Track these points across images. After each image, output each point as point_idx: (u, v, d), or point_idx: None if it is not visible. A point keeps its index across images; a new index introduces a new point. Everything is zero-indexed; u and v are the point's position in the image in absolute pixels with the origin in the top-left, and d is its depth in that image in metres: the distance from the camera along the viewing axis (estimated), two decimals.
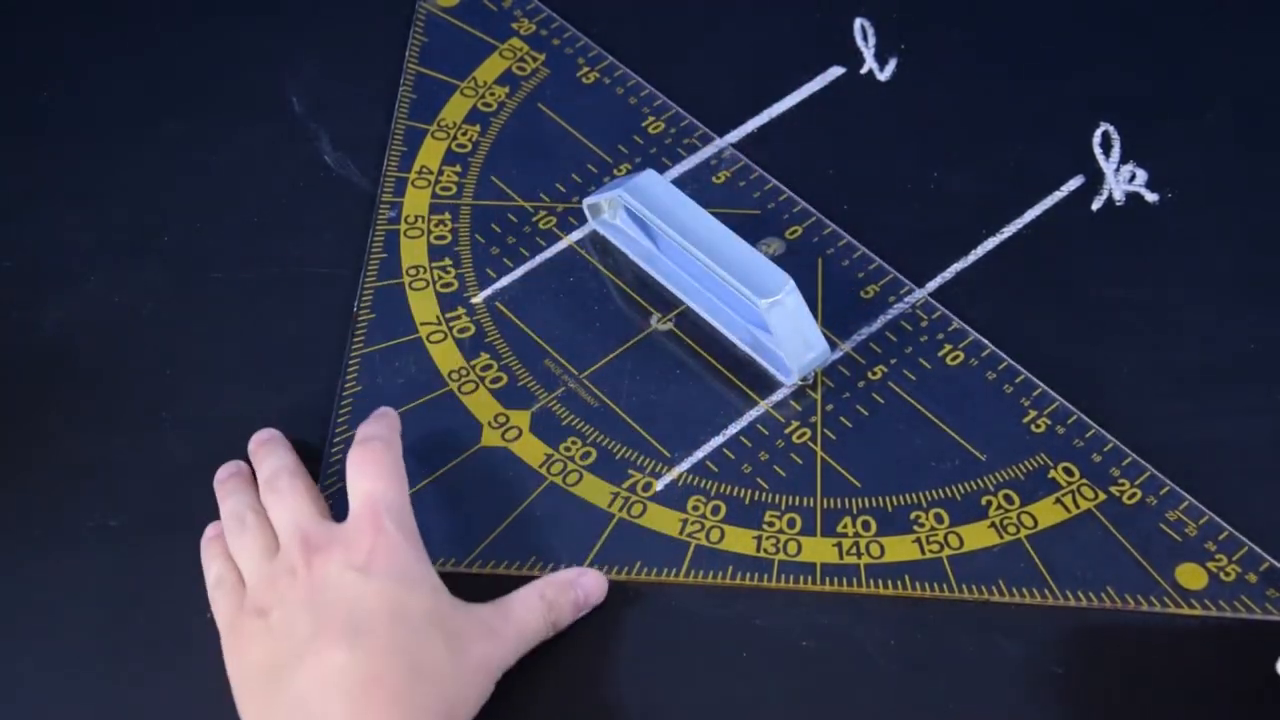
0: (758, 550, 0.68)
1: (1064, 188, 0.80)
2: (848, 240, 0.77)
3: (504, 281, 0.77)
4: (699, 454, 0.71)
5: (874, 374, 0.73)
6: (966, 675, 0.65)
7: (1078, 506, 0.69)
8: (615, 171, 0.80)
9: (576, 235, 0.78)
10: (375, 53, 0.86)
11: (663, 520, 0.69)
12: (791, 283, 0.70)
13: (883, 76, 0.85)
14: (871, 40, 0.86)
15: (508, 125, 0.82)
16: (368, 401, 0.72)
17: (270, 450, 0.70)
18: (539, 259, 0.77)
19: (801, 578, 0.68)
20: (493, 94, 0.83)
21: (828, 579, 0.68)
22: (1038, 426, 0.71)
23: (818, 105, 0.84)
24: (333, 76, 0.85)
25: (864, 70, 0.85)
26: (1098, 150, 0.81)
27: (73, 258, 0.78)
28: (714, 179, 0.80)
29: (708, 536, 0.69)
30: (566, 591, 0.66)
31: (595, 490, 0.70)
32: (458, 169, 0.80)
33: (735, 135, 0.82)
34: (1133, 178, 0.80)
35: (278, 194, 0.81)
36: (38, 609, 0.68)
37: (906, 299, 0.76)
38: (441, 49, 0.86)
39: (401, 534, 0.65)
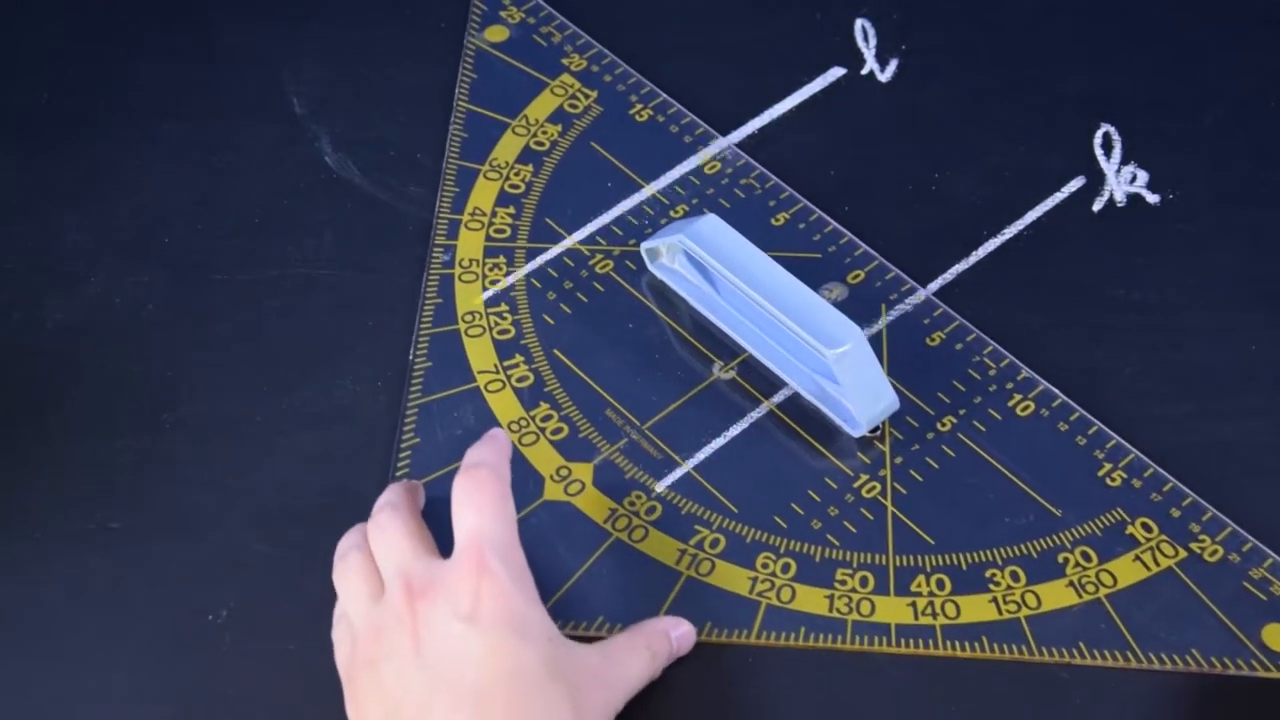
0: (830, 610, 0.67)
1: (1065, 189, 0.80)
2: (911, 285, 0.76)
3: (562, 328, 0.75)
4: (766, 508, 0.69)
5: (943, 425, 0.72)
6: None
7: (1158, 564, 0.67)
8: (672, 213, 0.79)
9: (635, 280, 0.77)
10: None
11: (732, 578, 0.68)
12: (859, 332, 0.68)
13: (883, 77, 0.85)
14: (872, 41, 0.86)
15: (561, 165, 0.81)
16: (425, 455, 0.71)
17: (386, 494, 0.68)
18: (597, 305, 0.76)
19: (876, 639, 0.66)
20: (545, 132, 0.82)
21: (903, 640, 0.66)
22: (1113, 480, 0.70)
23: (819, 106, 0.84)
24: (334, 77, 0.85)
25: (865, 71, 0.85)
26: (1099, 151, 0.81)
27: (73, 258, 0.78)
28: (773, 221, 0.78)
29: (779, 595, 0.67)
30: (664, 642, 0.65)
31: (662, 547, 0.68)
32: (511, 210, 0.79)
33: (736, 136, 0.82)
34: (1134, 179, 0.80)
35: (278, 195, 0.81)
36: (38, 609, 0.68)
37: (909, 299, 0.75)
38: (492, 86, 0.84)
39: (509, 574, 0.62)
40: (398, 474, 0.70)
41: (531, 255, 0.78)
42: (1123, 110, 0.82)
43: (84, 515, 0.70)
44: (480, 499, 0.63)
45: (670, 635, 0.65)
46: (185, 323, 0.76)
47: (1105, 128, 0.81)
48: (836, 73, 0.85)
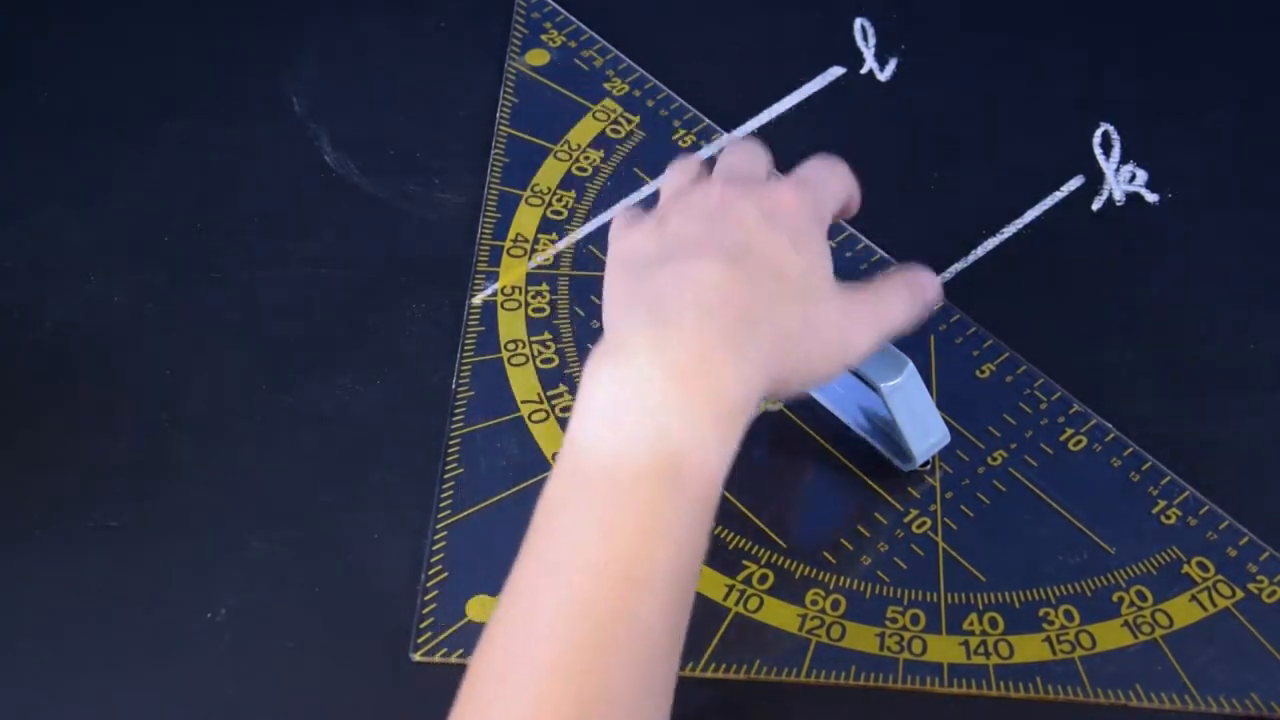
0: (881, 649, 0.65)
1: (1064, 188, 0.80)
2: (960, 316, 0.75)
3: None
4: (815, 543, 0.68)
5: (994, 460, 0.71)
6: None
7: (1215, 605, 0.66)
8: None
9: None
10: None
11: (781, 616, 0.67)
12: (911, 365, 0.67)
13: (883, 77, 0.85)
14: (872, 40, 0.86)
15: (604, 191, 0.80)
16: (469, 485, 0.70)
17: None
18: None
19: (928, 679, 0.65)
20: (587, 158, 0.81)
21: (956, 680, 0.65)
22: (1168, 518, 0.69)
23: (818, 105, 0.84)
24: (333, 77, 0.85)
25: (864, 70, 0.85)
26: (1098, 150, 0.81)
27: (73, 258, 0.78)
28: None
29: (829, 633, 0.66)
30: (918, 288, 0.67)
31: (710, 582, 0.67)
32: (554, 237, 0.78)
33: (735, 135, 0.82)
34: (1133, 178, 0.80)
35: (278, 194, 0.81)
36: (38, 609, 0.68)
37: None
38: (533, 110, 0.83)
39: (815, 214, 0.66)
40: (441, 505, 0.70)
41: (575, 283, 0.77)
42: (1122, 109, 0.82)
43: (83, 515, 0.70)
44: (839, 168, 0.69)
45: (919, 281, 0.67)
46: (185, 322, 0.76)
47: (1104, 127, 0.81)
48: (836, 72, 0.85)
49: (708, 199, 0.65)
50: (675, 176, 0.68)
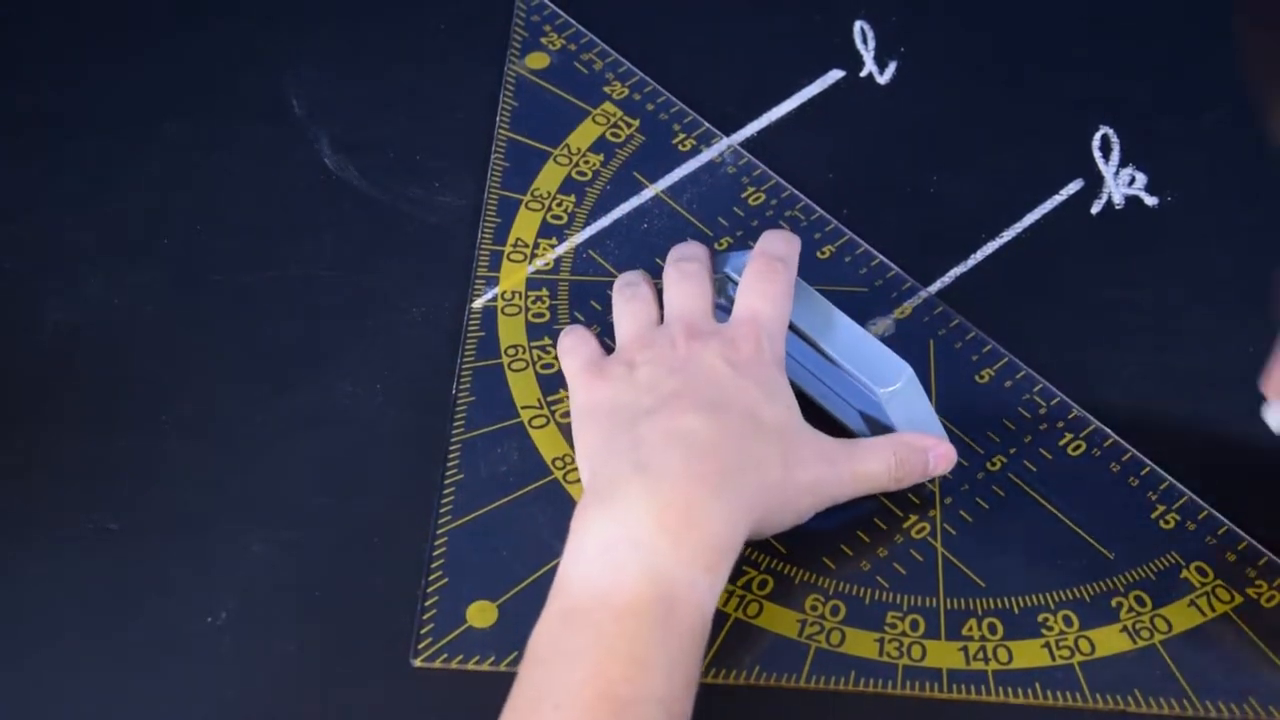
0: (880, 654, 0.66)
1: (1063, 191, 0.80)
2: (960, 321, 0.75)
3: None
4: (814, 549, 0.68)
5: (993, 465, 0.71)
6: None
7: (1213, 610, 0.66)
8: (716, 245, 0.78)
9: None
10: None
11: (780, 621, 0.67)
12: (910, 370, 0.67)
13: (882, 80, 0.85)
14: (871, 43, 0.86)
15: (604, 195, 0.80)
16: (469, 490, 0.70)
17: (693, 246, 0.74)
18: None
19: (928, 685, 0.65)
20: (587, 162, 0.81)
21: (955, 686, 0.65)
22: (1166, 522, 0.69)
23: (817, 108, 0.84)
24: (333, 78, 0.85)
25: (864, 73, 0.85)
26: (1097, 154, 0.81)
27: (73, 258, 0.78)
28: (818, 254, 0.77)
29: (828, 639, 0.66)
30: (918, 454, 0.68)
31: None
32: (554, 241, 0.78)
33: (735, 138, 0.82)
34: (1132, 181, 0.80)
35: (278, 196, 0.81)
36: (38, 610, 0.68)
37: (913, 296, 0.75)
38: (533, 114, 0.83)
39: (773, 358, 0.68)
40: (442, 509, 0.70)
41: (575, 288, 0.77)
42: (1121, 112, 0.82)
43: (83, 515, 0.70)
44: (769, 289, 0.69)
45: (928, 450, 0.68)
46: (185, 323, 0.76)
47: (1104, 130, 0.81)
48: (835, 75, 0.85)
49: (674, 352, 0.68)
50: (630, 322, 0.72)
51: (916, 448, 0.68)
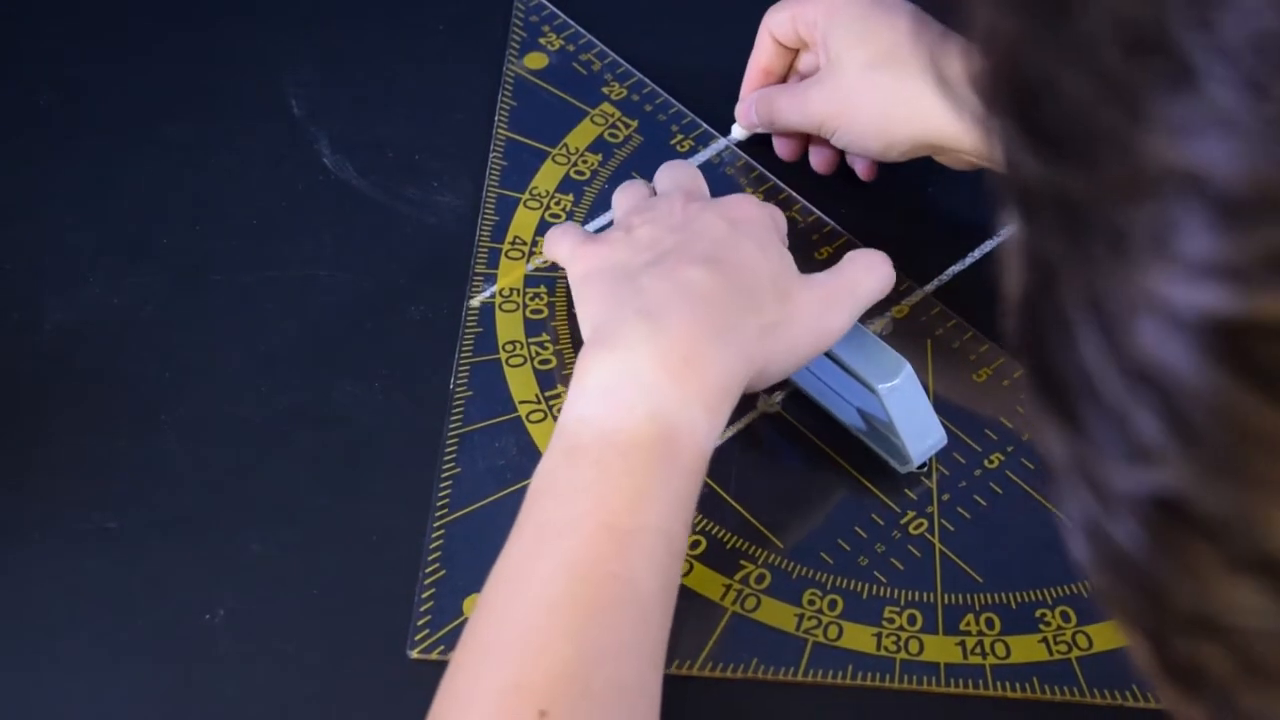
0: (878, 649, 0.66)
1: None
2: (958, 320, 0.75)
3: None
4: (812, 544, 0.68)
5: (991, 462, 0.71)
6: None
7: None
8: None
9: None
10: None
11: (778, 615, 0.67)
12: (908, 367, 0.68)
13: None
14: None
15: (601, 195, 0.80)
16: (466, 484, 0.70)
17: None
18: None
19: (925, 679, 0.65)
20: (585, 161, 0.81)
21: (952, 680, 0.65)
22: None
23: None
24: (333, 78, 0.85)
25: None
26: None
27: (73, 259, 0.78)
28: (816, 255, 0.77)
29: (826, 633, 0.66)
30: (884, 265, 0.70)
31: (707, 582, 0.67)
32: None
33: (733, 139, 0.82)
34: None
35: (277, 196, 0.81)
36: (38, 609, 0.68)
37: (910, 295, 0.75)
38: (531, 114, 0.83)
39: (773, 223, 0.70)
40: (439, 503, 0.70)
41: None
42: None
43: (82, 515, 0.70)
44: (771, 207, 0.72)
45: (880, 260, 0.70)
46: (184, 323, 0.76)
47: None
48: None
49: (672, 212, 0.69)
50: (627, 197, 0.74)
51: (872, 259, 0.70)
